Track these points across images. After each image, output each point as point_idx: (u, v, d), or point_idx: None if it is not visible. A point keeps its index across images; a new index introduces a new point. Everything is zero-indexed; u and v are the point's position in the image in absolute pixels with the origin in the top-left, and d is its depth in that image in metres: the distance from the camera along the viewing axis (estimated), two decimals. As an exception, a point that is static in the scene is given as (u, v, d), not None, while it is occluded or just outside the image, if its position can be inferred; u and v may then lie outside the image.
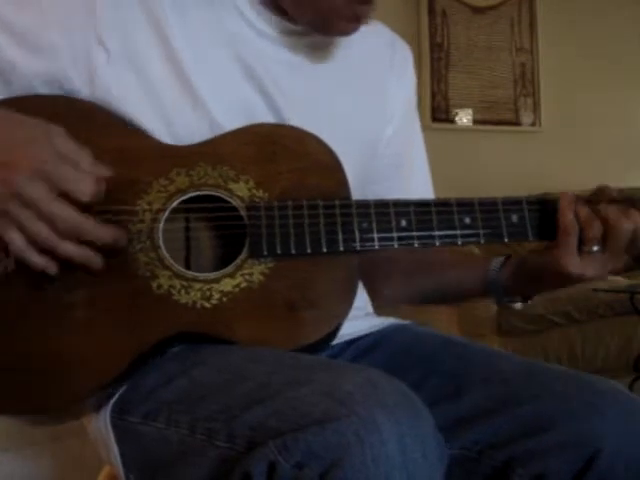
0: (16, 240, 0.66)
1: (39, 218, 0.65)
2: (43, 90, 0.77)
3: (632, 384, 2.54)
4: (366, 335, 0.88)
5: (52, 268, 0.68)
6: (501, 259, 0.86)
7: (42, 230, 0.66)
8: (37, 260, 0.67)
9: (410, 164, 0.99)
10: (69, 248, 0.67)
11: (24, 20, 0.76)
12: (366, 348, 0.87)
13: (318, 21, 0.80)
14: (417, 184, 0.98)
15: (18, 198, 0.64)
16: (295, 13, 0.80)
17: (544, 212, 0.79)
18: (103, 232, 0.68)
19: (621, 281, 2.93)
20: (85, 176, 0.67)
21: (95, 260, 0.69)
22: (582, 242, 0.76)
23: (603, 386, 0.73)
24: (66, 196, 0.66)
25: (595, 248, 0.75)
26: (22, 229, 0.66)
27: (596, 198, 0.77)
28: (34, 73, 0.76)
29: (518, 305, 0.86)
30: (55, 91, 0.77)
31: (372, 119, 0.91)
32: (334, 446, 0.54)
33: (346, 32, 0.82)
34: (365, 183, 0.90)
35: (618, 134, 3.93)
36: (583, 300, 2.78)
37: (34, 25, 0.76)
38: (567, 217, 0.76)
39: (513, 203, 0.78)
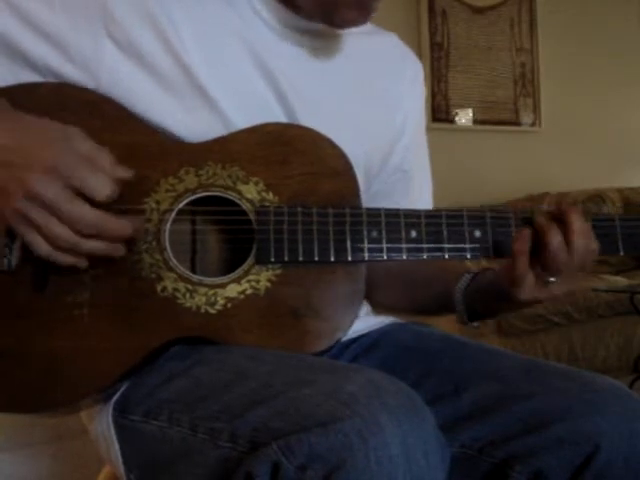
0: (41, 245, 0.65)
1: (58, 219, 0.64)
2: (47, 75, 0.75)
3: (632, 384, 2.53)
4: (365, 334, 0.88)
5: (83, 263, 0.68)
6: (468, 277, 0.83)
7: (63, 232, 0.64)
8: (65, 260, 0.67)
9: (420, 179, 0.99)
10: (92, 245, 0.67)
11: (29, 2, 0.74)
12: (366, 347, 0.87)
13: (321, 8, 0.79)
14: (422, 199, 0.98)
15: (34, 199, 0.63)
16: (299, 1, 0.79)
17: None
18: (124, 226, 0.67)
19: (621, 281, 2.93)
20: (101, 176, 0.65)
21: (118, 250, 0.69)
22: (542, 269, 0.73)
23: (602, 383, 0.72)
24: (81, 195, 0.64)
25: (552, 279, 0.73)
26: (42, 231, 0.64)
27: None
28: (40, 59, 0.74)
29: (475, 324, 0.83)
30: (58, 79, 0.75)
31: (381, 125, 0.91)
32: (337, 448, 0.54)
33: (351, 21, 0.79)
34: (374, 195, 0.90)
35: (618, 134, 3.93)
36: (583, 300, 2.77)
37: (39, 8, 0.74)
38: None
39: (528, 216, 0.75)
